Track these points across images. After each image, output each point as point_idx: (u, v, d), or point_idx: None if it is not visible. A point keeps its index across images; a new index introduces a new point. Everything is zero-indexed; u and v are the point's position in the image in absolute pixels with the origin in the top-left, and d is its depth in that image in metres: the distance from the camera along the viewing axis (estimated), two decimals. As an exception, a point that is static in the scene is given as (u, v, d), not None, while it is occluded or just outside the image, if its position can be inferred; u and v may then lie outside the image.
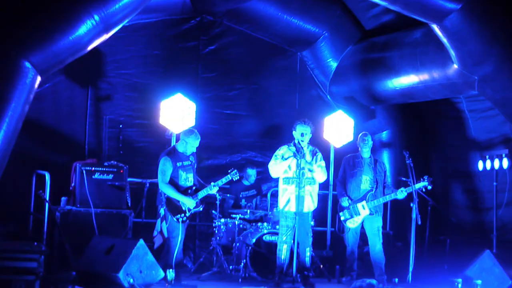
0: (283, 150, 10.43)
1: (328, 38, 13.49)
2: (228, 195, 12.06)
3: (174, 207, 9.93)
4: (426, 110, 13.51)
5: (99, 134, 12.64)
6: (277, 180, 10.61)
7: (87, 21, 8.89)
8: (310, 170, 10.29)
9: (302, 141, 10.25)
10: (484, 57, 10.37)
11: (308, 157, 10.29)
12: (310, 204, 10.39)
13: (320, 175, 10.42)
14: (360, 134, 11.50)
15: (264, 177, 12.66)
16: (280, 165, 10.30)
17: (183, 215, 9.93)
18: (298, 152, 10.19)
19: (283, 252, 10.31)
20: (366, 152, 11.29)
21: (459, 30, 10.31)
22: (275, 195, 11.41)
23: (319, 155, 10.44)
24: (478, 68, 10.51)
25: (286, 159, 10.28)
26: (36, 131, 11.49)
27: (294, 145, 10.33)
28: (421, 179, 10.79)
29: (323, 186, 13.05)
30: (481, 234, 12.53)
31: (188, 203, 9.95)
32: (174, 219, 9.90)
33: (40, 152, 11.76)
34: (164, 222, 9.95)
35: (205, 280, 10.64)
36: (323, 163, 10.44)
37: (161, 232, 9.94)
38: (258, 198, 12.50)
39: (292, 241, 10.33)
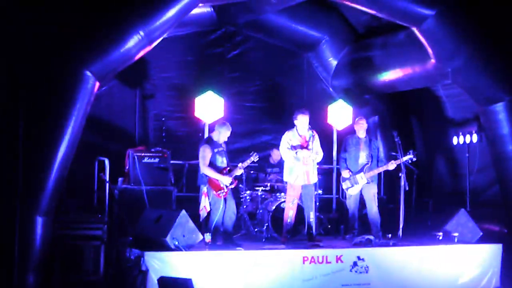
0: (289, 136, 10.66)
1: (328, 41, 13.53)
2: (251, 171, 12.24)
3: (215, 185, 9.98)
4: (410, 97, 13.55)
5: (146, 126, 12.84)
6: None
7: (134, 36, 8.96)
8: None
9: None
10: (455, 53, 10.45)
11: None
12: (314, 177, 10.57)
13: (317, 158, 10.67)
14: (357, 119, 11.66)
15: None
16: (290, 154, 10.54)
17: (223, 191, 10.00)
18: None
19: (289, 216, 10.53)
20: (362, 133, 11.42)
21: (434, 32, 10.41)
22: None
23: (316, 137, 10.63)
24: (451, 62, 10.60)
25: (294, 147, 10.52)
26: (97, 125, 11.67)
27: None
28: (407, 153, 10.92)
29: (329, 161, 13.30)
30: (457, 196, 12.62)
31: (226, 181, 9.99)
32: (216, 194, 9.99)
33: (100, 142, 11.97)
34: (207, 198, 10.01)
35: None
36: (317, 146, 10.66)
37: (204, 207, 10.05)
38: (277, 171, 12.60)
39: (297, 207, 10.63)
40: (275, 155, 12.55)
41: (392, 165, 11.05)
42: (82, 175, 10.82)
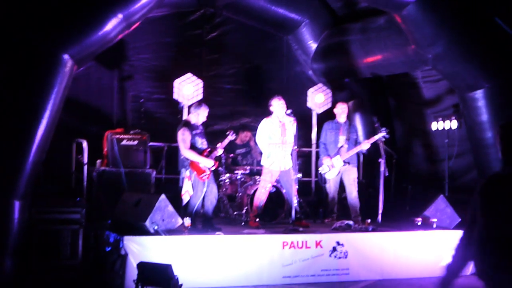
0: (267, 124, 10.62)
1: (308, 24, 13.44)
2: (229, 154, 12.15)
3: (198, 168, 9.82)
4: (390, 81, 13.56)
5: (124, 108, 12.73)
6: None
7: (113, 19, 8.85)
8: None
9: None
10: (435, 39, 10.37)
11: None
12: (290, 162, 10.51)
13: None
14: (338, 103, 11.61)
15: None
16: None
17: (205, 173, 9.84)
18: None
19: (261, 200, 10.56)
20: (342, 118, 11.39)
21: (415, 18, 10.32)
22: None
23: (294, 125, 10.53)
24: (431, 48, 10.52)
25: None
26: (74, 107, 11.47)
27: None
28: (379, 131, 10.91)
29: (308, 144, 13.30)
30: (436, 181, 12.63)
31: (208, 163, 9.85)
32: (198, 178, 9.81)
33: (78, 124, 11.84)
34: (190, 181, 9.82)
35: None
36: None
37: (187, 191, 9.91)
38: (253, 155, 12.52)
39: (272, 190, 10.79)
40: (241, 136, 12.49)
41: (365, 145, 11.06)
42: (59, 158, 10.74)
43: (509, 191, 4.35)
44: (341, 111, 11.37)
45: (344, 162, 11.13)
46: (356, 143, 11.29)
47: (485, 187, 4.48)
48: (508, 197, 4.32)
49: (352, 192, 11.12)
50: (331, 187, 11.30)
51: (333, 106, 12.09)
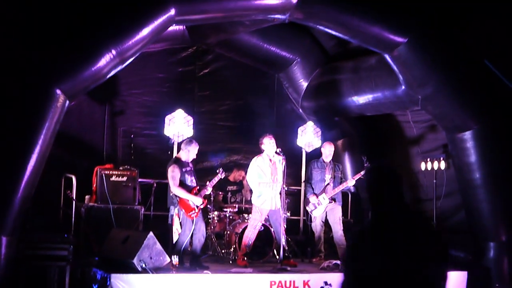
0: (258, 163, 10.64)
1: (300, 62, 13.48)
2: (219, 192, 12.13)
3: (186, 206, 9.84)
4: (379, 120, 13.60)
5: (114, 143, 12.67)
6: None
7: (106, 55, 8.87)
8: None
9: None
10: (425, 80, 10.47)
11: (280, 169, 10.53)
12: (279, 201, 10.54)
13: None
14: (325, 143, 11.70)
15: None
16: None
17: (194, 211, 9.86)
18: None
19: (250, 238, 10.53)
20: (328, 158, 11.49)
21: (406, 59, 10.42)
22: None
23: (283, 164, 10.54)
24: (421, 89, 10.61)
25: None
26: (65, 141, 11.34)
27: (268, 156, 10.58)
28: (364, 166, 11.00)
29: (297, 182, 13.28)
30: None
31: (197, 201, 9.89)
32: (187, 215, 9.81)
33: (68, 158, 11.74)
34: (177, 218, 9.86)
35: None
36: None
37: (176, 229, 9.87)
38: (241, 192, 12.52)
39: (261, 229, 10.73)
40: (235, 175, 12.48)
41: (351, 181, 11.26)
42: (49, 192, 10.66)
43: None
44: (329, 153, 11.49)
45: (330, 199, 11.18)
46: (341, 181, 11.38)
47: (357, 235, 4.39)
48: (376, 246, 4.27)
49: (338, 231, 11.14)
50: (317, 225, 11.36)
51: (322, 144, 12.15)
